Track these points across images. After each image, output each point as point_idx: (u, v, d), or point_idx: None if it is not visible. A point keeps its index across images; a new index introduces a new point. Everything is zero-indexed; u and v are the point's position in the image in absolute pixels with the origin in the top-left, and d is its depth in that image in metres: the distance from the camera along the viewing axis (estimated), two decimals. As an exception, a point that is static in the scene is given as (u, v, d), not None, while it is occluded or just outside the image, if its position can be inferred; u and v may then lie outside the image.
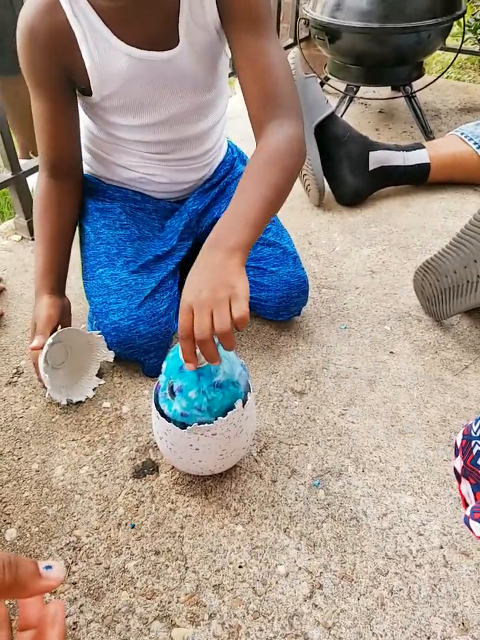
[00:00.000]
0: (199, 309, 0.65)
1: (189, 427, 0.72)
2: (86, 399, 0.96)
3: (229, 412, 0.72)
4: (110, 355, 0.96)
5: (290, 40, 2.18)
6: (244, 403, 0.75)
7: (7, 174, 1.29)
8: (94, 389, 0.97)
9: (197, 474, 0.82)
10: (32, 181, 1.56)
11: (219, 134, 1.08)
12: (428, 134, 1.79)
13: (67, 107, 0.93)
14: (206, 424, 0.72)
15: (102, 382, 0.98)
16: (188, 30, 0.86)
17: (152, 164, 1.01)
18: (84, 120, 1.00)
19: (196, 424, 0.72)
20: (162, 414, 0.75)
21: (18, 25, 0.84)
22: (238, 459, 0.81)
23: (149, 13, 0.84)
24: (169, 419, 0.74)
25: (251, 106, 0.87)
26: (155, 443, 0.88)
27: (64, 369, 0.97)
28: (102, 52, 0.85)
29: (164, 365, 0.75)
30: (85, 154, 1.04)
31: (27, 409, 0.95)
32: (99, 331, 0.95)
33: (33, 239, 1.36)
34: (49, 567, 0.36)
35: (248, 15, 0.85)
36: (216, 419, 0.72)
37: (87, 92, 0.91)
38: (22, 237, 1.37)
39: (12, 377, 1.01)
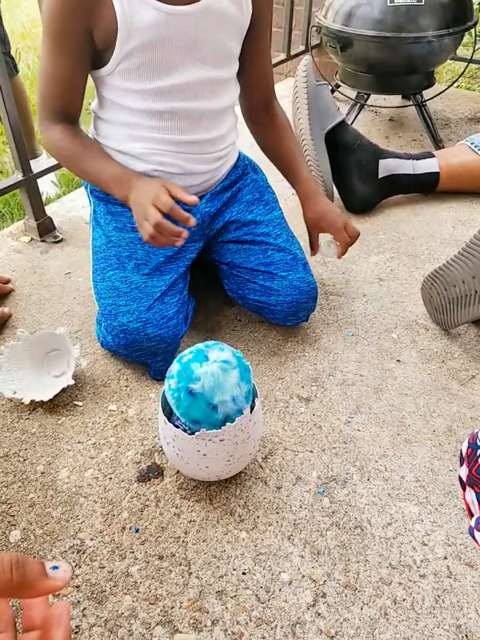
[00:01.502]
0: (347, 223, 1.10)
1: (197, 433, 0.73)
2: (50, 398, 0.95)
3: (237, 418, 0.73)
4: (73, 355, 0.98)
5: (302, 48, 2.19)
6: (251, 409, 0.75)
7: (18, 176, 1.30)
8: (64, 389, 0.97)
9: (204, 480, 0.82)
10: (43, 183, 1.57)
11: (231, 124, 1.08)
12: (438, 143, 1.79)
13: (84, 65, 0.94)
14: (214, 430, 0.72)
15: (71, 382, 0.96)
16: None
17: (166, 148, 1.00)
18: (96, 114, 1.01)
19: (204, 429, 0.72)
20: (170, 419, 0.76)
21: None
22: (245, 464, 0.81)
23: None
24: (176, 425, 0.74)
25: (258, 87, 1.10)
26: (160, 447, 0.88)
27: (28, 368, 1.00)
28: (132, 3, 0.87)
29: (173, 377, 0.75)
30: None
31: (33, 410, 0.95)
32: (107, 333, 0.96)
33: (42, 241, 1.37)
34: (55, 567, 0.36)
35: (267, 6, 1.01)
36: (224, 425, 0.72)
37: (105, 57, 0.91)
38: (32, 239, 1.38)
39: (19, 379, 1.01)
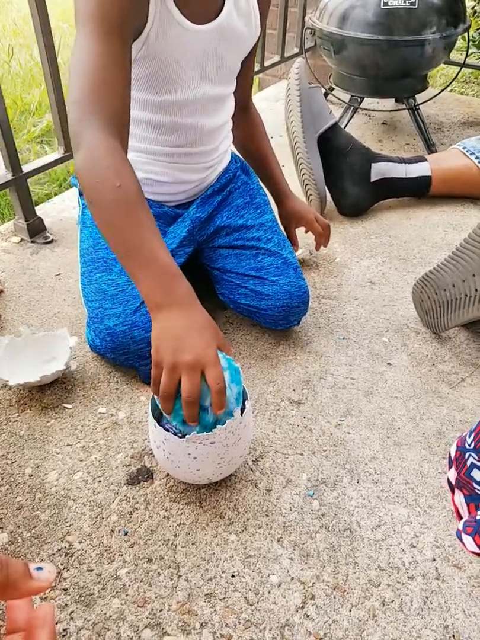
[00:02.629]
0: (318, 217, 1.21)
1: (187, 436, 0.72)
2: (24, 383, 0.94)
3: (227, 421, 0.72)
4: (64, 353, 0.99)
5: (296, 50, 2.20)
6: (242, 411, 0.75)
7: (8, 175, 1.29)
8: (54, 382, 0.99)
9: (194, 483, 0.82)
10: (32, 183, 1.56)
11: (224, 135, 1.09)
12: (430, 147, 1.80)
13: (131, 56, 0.81)
14: (205, 433, 0.72)
15: (62, 368, 0.96)
16: (229, 12, 0.93)
17: (158, 158, 1.01)
18: None
19: (195, 432, 0.72)
20: (160, 423, 0.75)
21: None
22: (235, 467, 0.81)
23: None
24: (166, 428, 0.74)
25: (240, 90, 1.10)
26: (150, 450, 0.88)
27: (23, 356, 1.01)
28: (162, 15, 0.85)
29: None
30: None
31: (22, 412, 0.95)
32: (95, 336, 0.96)
33: (33, 242, 1.36)
34: (39, 568, 0.36)
35: (264, 19, 1.03)
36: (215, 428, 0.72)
37: None
38: (22, 240, 1.37)
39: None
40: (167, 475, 0.85)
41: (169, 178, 1.04)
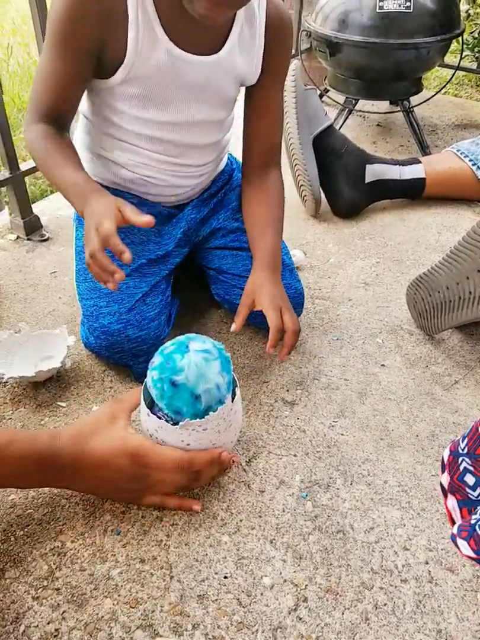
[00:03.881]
0: (286, 309, 0.94)
1: (181, 423, 0.73)
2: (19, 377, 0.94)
3: (219, 407, 0.74)
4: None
5: (292, 51, 2.19)
6: (233, 397, 0.77)
7: (5, 173, 1.29)
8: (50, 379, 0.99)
9: None
10: (30, 181, 1.56)
11: (222, 149, 1.09)
12: (425, 149, 1.81)
13: (86, 76, 0.90)
14: (197, 420, 0.73)
15: (58, 365, 0.96)
16: (231, 49, 0.92)
17: (152, 164, 1.01)
18: (85, 116, 1.00)
19: (187, 419, 0.73)
20: (152, 411, 0.76)
21: None
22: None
23: (205, 25, 0.85)
24: (159, 416, 0.75)
25: (256, 147, 1.06)
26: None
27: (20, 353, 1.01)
28: (146, 37, 0.86)
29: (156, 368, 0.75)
30: (84, 154, 1.04)
31: (16, 410, 0.94)
32: (89, 334, 0.96)
33: (29, 239, 1.36)
34: None
35: (283, 67, 1.02)
36: (207, 414, 0.74)
37: (106, 72, 0.90)
38: (18, 237, 1.36)
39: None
40: (161, 475, 0.84)
41: (163, 182, 1.04)
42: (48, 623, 0.67)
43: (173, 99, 0.93)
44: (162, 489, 0.76)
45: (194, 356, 0.74)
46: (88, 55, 0.87)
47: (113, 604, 0.70)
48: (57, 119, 0.92)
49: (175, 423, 0.74)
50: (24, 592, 0.70)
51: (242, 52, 0.94)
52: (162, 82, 0.91)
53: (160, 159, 1.00)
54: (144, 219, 0.76)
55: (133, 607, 0.69)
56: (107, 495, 0.79)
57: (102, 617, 0.68)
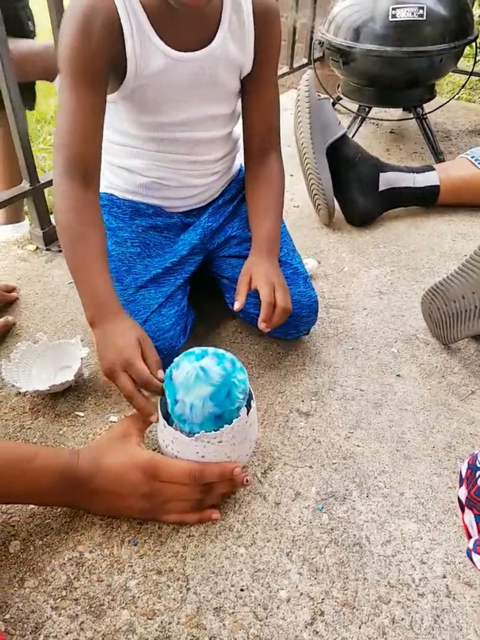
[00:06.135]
0: (279, 286, 0.96)
1: (196, 435, 0.74)
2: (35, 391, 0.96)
3: (234, 420, 0.74)
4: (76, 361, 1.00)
5: (305, 60, 2.20)
6: (248, 410, 0.77)
7: (26, 185, 1.31)
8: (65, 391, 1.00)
9: None
10: (49, 192, 1.57)
11: (233, 143, 1.10)
12: (438, 156, 1.80)
13: (104, 99, 0.90)
14: (213, 432, 0.74)
15: (71, 378, 0.97)
16: (224, 37, 0.93)
17: (165, 165, 1.02)
18: None
19: (204, 431, 0.74)
20: (169, 423, 0.77)
21: (71, 11, 0.84)
22: (241, 465, 0.82)
23: (194, 18, 0.89)
24: (176, 428, 0.76)
25: (254, 133, 1.07)
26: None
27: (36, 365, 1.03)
28: (143, 47, 0.88)
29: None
30: None
31: (35, 420, 0.95)
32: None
33: (48, 249, 1.37)
34: None
35: (274, 53, 1.02)
36: (223, 427, 0.74)
37: (110, 88, 0.91)
38: (37, 248, 1.38)
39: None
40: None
41: (176, 183, 1.05)
42: (66, 634, 0.68)
43: (174, 101, 0.95)
44: (177, 506, 0.77)
45: (210, 369, 0.74)
46: (104, 78, 0.88)
47: (130, 615, 0.70)
48: (85, 171, 0.89)
49: (191, 435, 0.75)
50: (43, 602, 0.71)
51: (234, 40, 0.95)
52: (164, 85, 0.93)
53: (173, 159, 1.02)
54: (160, 375, 0.80)
55: (150, 619, 0.70)
56: (123, 513, 0.79)
57: (120, 628, 0.69)
